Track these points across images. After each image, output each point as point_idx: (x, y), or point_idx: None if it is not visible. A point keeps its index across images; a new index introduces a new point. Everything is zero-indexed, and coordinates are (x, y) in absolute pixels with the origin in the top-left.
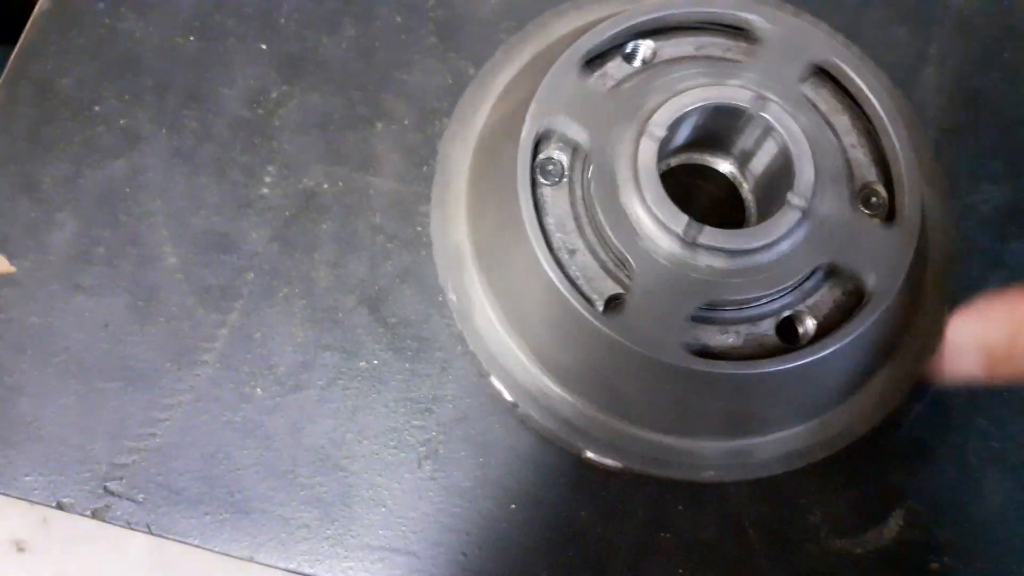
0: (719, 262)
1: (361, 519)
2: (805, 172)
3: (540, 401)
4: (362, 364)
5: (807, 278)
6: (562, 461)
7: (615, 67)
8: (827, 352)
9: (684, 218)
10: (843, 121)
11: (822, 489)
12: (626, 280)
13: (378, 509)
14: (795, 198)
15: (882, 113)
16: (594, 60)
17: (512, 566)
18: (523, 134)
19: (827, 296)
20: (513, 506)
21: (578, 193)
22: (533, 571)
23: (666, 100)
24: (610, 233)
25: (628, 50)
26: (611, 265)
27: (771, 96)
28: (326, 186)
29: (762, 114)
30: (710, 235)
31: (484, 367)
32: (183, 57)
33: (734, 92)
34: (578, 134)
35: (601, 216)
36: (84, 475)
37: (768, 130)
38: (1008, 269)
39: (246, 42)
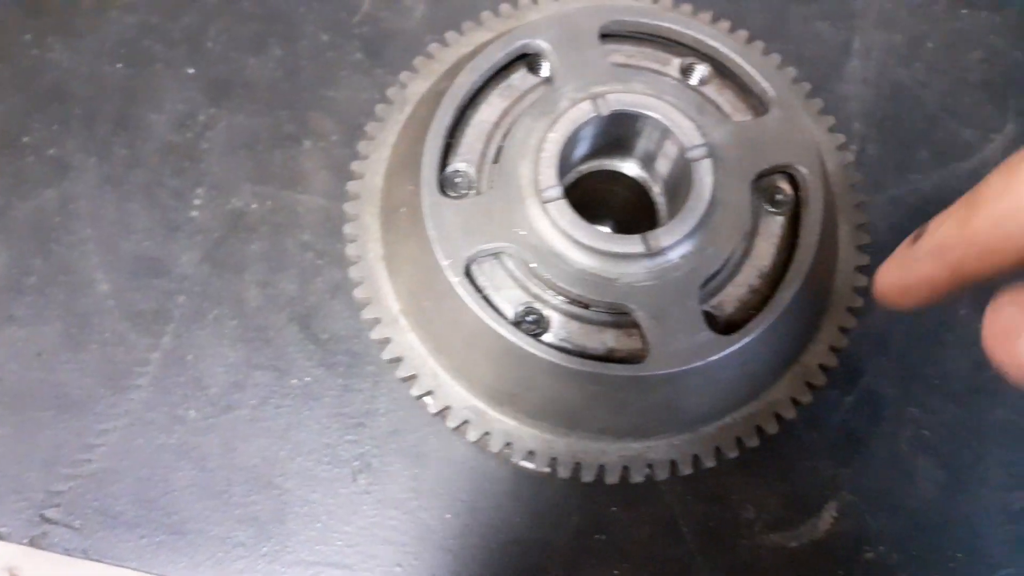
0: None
1: (296, 535)
2: (702, 166)
3: (464, 413)
4: (294, 381)
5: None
6: (495, 469)
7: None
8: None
9: (636, 238)
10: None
11: (754, 485)
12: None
13: (313, 524)
14: (693, 151)
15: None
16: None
17: (448, 575)
18: (451, 280)
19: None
20: (448, 515)
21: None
22: None
23: (539, 159)
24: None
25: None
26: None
27: (605, 90)
28: (255, 206)
29: (613, 111)
30: (664, 234)
31: (409, 381)
32: (111, 85)
33: (578, 112)
34: (498, 247)
35: (560, 283)
36: (20, 504)
37: (664, 132)
38: None
39: (173, 67)
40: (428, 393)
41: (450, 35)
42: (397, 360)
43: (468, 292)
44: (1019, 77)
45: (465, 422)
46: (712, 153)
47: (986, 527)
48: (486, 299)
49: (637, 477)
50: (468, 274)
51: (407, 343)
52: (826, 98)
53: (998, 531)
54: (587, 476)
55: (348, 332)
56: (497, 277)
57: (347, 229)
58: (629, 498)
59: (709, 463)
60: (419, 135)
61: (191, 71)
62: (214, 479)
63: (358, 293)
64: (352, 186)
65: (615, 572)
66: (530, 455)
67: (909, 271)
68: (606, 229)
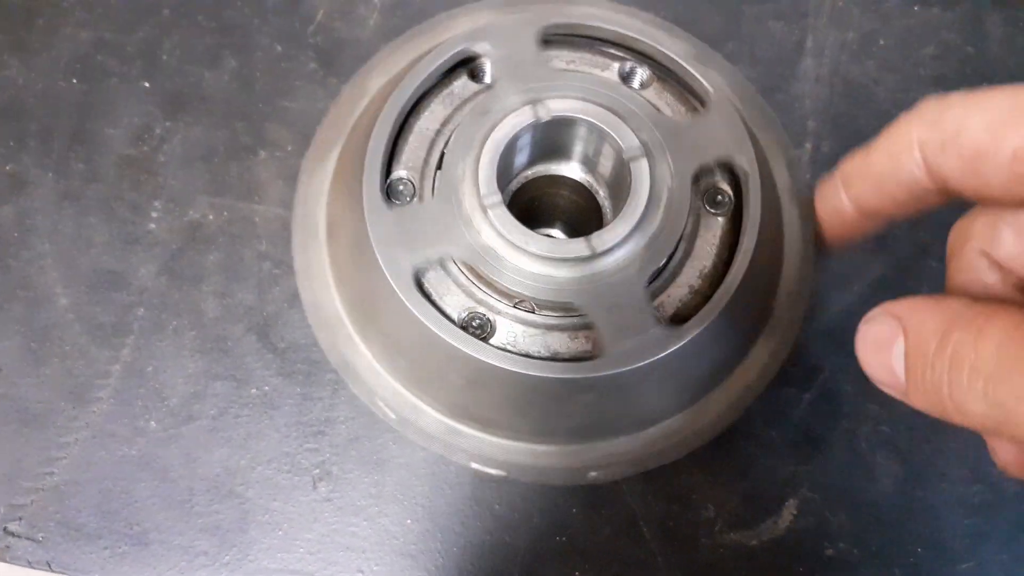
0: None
1: (258, 543)
2: (617, 127)
3: (417, 420)
4: (253, 391)
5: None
6: (455, 475)
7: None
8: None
9: (580, 241)
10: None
11: (714, 484)
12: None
13: (275, 533)
14: (629, 151)
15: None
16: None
17: None
18: (393, 284)
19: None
20: (409, 521)
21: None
22: None
23: (475, 172)
24: (537, 296)
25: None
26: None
27: (543, 96)
28: (211, 217)
29: (553, 116)
30: (607, 235)
31: (362, 390)
32: (67, 100)
33: (517, 117)
34: (442, 252)
35: (510, 288)
36: None
37: (565, 123)
38: (891, 255)
39: (129, 81)
40: (387, 404)
41: (395, 43)
42: (349, 371)
43: (412, 299)
44: (971, 72)
45: (421, 430)
46: (648, 152)
47: (946, 522)
48: (433, 304)
49: (595, 478)
50: (415, 281)
51: (358, 352)
52: (780, 97)
53: (958, 525)
54: (545, 479)
55: (306, 340)
56: (442, 284)
57: (295, 240)
58: (589, 499)
59: (665, 461)
60: (361, 144)
61: (146, 85)
62: (176, 489)
63: (306, 304)
64: (299, 197)
65: (576, 573)
66: (487, 461)
67: (824, 202)
68: (556, 232)
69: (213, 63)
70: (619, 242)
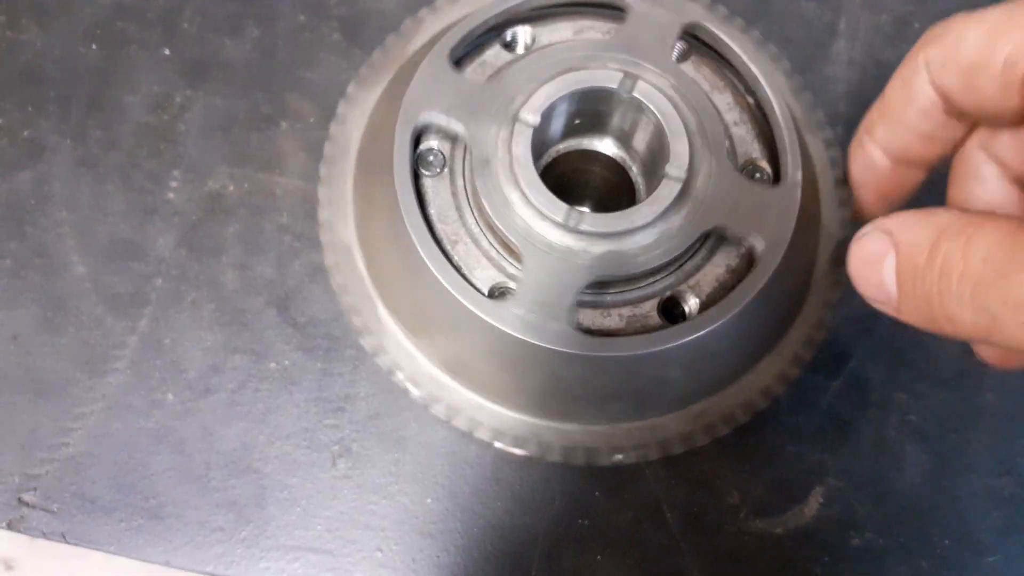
0: (602, 246)
1: (276, 520)
2: (679, 143)
3: (442, 396)
4: (272, 365)
5: (692, 254)
6: (476, 454)
7: (494, 55)
8: (722, 322)
9: (563, 206)
10: (725, 99)
11: (740, 470)
12: (511, 269)
13: (292, 509)
14: (672, 169)
15: (758, 75)
16: (473, 50)
17: (429, 560)
18: (397, 130)
19: (709, 275)
20: (429, 500)
21: (460, 183)
22: (450, 564)
23: (536, 89)
24: (497, 222)
25: (508, 38)
26: (494, 254)
27: (640, 74)
28: (231, 188)
29: (631, 94)
30: (591, 220)
31: (387, 365)
32: (86, 66)
33: (602, 75)
34: (455, 127)
35: (486, 207)
36: None
37: (639, 108)
38: None
39: (149, 48)
40: (411, 380)
41: (423, 12)
42: (378, 348)
43: (442, 270)
44: None
45: (448, 408)
46: (687, 184)
47: (974, 513)
48: (463, 276)
49: (619, 460)
50: (443, 252)
51: (387, 331)
52: (811, 79)
53: (986, 517)
54: (568, 459)
55: (327, 316)
56: (471, 257)
57: (322, 170)
58: (612, 483)
59: (691, 446)
60: (391, 113)
61: (166, 52)
62: (192, 463)
63: (334, 279)
64: (334, 128)
65: (598, 557)
66: (510, 439)
67: (856, 162)
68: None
69: (234, 31)
70: (652, 221)
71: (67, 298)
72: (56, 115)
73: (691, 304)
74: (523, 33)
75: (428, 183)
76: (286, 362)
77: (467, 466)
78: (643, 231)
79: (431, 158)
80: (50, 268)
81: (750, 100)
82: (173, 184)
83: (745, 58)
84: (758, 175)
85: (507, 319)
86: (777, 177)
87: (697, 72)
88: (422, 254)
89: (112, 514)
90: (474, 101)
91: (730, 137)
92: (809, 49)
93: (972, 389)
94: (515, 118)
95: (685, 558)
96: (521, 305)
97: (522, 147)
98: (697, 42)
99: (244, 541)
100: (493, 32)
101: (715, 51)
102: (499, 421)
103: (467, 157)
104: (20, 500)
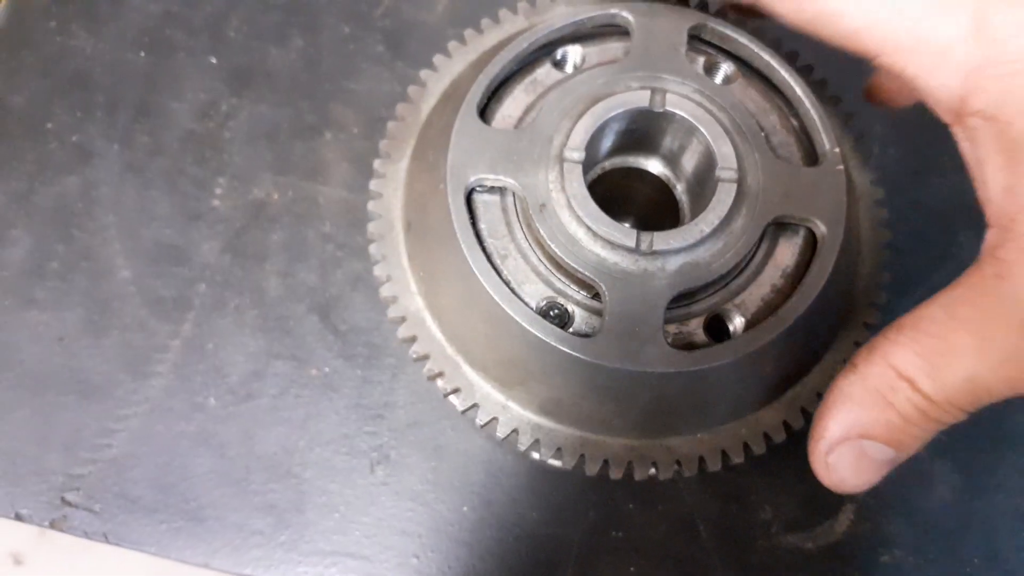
0: (676, 261)
1: (314, 525)
2: (723, 145)
3: (491, 410)
4: (313, 372)
5: (744, 266)
6: (513, 464)
7: (544, 73)
8: (796, 318)
9: (632, 232)
10: (763, 107)
11: (772, 485)
12: (559, 285)
13: (331, 515)
14: (724, 172)
15: (771, 60)
16: (523, 68)
17: (464, 568)
18: (450, 198)
19: (754, 294)
20: (465, 508)
21: (509, 200)
22: (485, 572)
23: (572, 126)
24: (568, 261)
25: (558, 56)
26: (542, 269)
27: (665, 87)
28: (276, 196)
29: (664, 108)
30: (661, 239)
31: (429, 373)
32: (134, 72)
33: (631, 96)
34: (504, 181)
35: (555, 249)
36: (41, 487)
37: (673, 120)
38: (956, 261)
39: (195, 56)
40: (456, 391)
41: (469, 32)
42: (424, 358)
43: (493, 284)
44: None
45: (493, 419)
46: (741, 182)
47: (1003, 532)
48: (512, 291)
49: (654, 475)
50: (493, 267)
51: (433, 340)
52: (847, 100)
53: (1015, 536)
54: (608, 472)
55: (368, 324)
56: (520, 272)
57: (372, 249)
58: (646, 496)
59: (728, 463)
60: (439, 151)
61: (213, 60)
62: (233, 467)
63: (391, 312)
64: (373, 205)
65: (631, 569)
66: (557, 452)
67: None
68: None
69: (280, 40)
70: (718, 226)
71: (112, 301)
72: (104, 120)
73: (736, 323)
74: (573, 53)
75: (479, 198)
76: (327, 369)
77: (504, 476)
78: (712, 238)
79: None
80: (96, 271)
81: (795, 122)
82: (218, 191)
83: (755, 47)
84: (795, 162)
85: (554, 333)
86: (812, 161)
87: (744, 94)
88: (473, 268)
89: (153, 515)
90: (513, 151)
91: (763, 129)
92: (844, 67)
93: (1002, 409)
94: (561, 158)
95: (717, 571)
96: (613, 335)
97: (576, 184)
98: (703, 43)
99: (283, 545)
100: (543, 51)
101: (724, 50)
102: (536, 432)
103: (515, 195)
104: (63, 500)
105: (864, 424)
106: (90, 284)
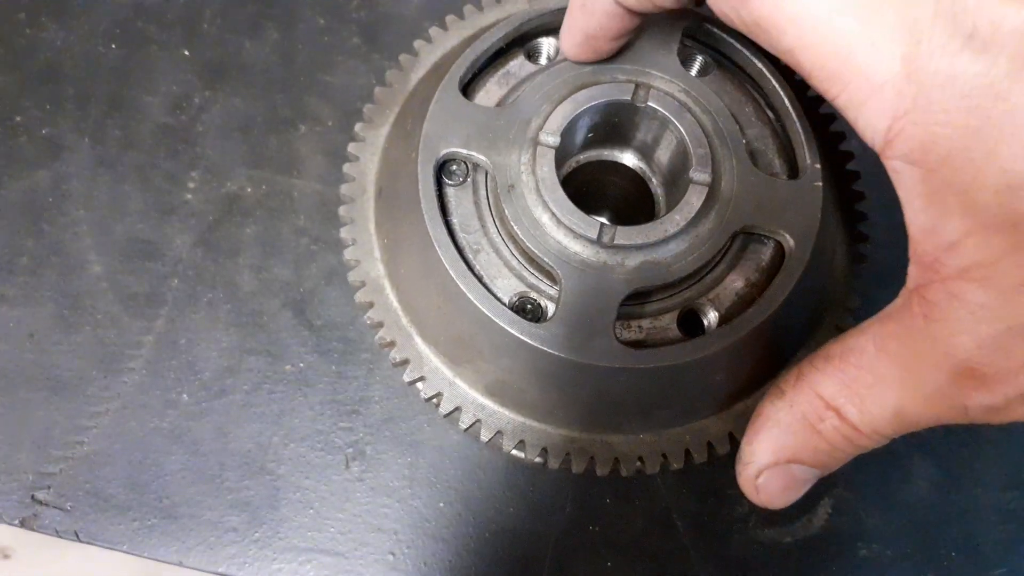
0: (637, 258)
1: (289, 521)
2: (700, 147)
3: (457, 400)
4: (288, 367)
5: (717, 262)
6: (489, 459)
7: (517, 65)
8: (760, 322)
9: (595, 223)
10: (747, 113)
11: None
12: (532, 279)
13: (306, 511)
14: (697, 174)
15: (763, 69)
16: (495, 60)
17: (440, 564)
18: (419, 167)
19: (728, 288)
20: (441, 504)
21: (482, 192)
22: (461, 568)
23: (552, 110)
24: (529, 245)
25: (531, 49)
26: (515, 264)
27: (651, 83)
28: (249, 190)
29: (646, 104)
30: (624, 234)
31: (401, 366)
32: (105, 65)
33: (615, 88)
34: (476, 157)
35: (517, 231)
36: (11, 485)
37: (654, 117)
38: None
39: (168, 48)
40: (420, 379)
41: (450, 19)
42: (390, 344)
43: (464, 279)
44: None
45: (457, 409)
46: (713, 185)
47: (981, 526)
48: (484, 287)
49: (631, 469)
50: (465, 261)
51: (401, 328)
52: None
53: (993, 530)
54: (578, 467)
55: (342, 319)
56: (493, 267)
57: (342, 211)
58: (623, 491)
59: (703, 458)
60: (417, 120)
61: (186, 53)
62: (207, 464)
63: (352, 275)
64: (348, 168)
65: (608, 564)
66: (521, 444)
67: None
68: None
69: (254, 33)
70: (684, 227)
71: (83, 297)
72: (75, 114)
73: (711, 318)
74: (547, 44)
75: (451, 192)
76: (301, 364)
77: (480, 471)
78: (676, 239)
79: (454, 167)
80: (67, 267)
81: (770, 115)
82: (191, 185)
83: (748, 53)
84: (775, 172)
85: (528, 329)
86: (793, 173)
87: (720, 87)
88: (444, 262)
89: (126, 513)
90: (490, 128)
91: (745, 136)
92: None
93: None
94: (535, 141)
95: (694, 566)
96: (564, 324)
97: (546, 169)
98: (697, 43)
99: (257, 542)
100: (515, 44)
101: (720, 52)
102: (512, 428)
103: (487, 179)
104: (34, 498)
105: (792, 449)
106: (61, 279)
